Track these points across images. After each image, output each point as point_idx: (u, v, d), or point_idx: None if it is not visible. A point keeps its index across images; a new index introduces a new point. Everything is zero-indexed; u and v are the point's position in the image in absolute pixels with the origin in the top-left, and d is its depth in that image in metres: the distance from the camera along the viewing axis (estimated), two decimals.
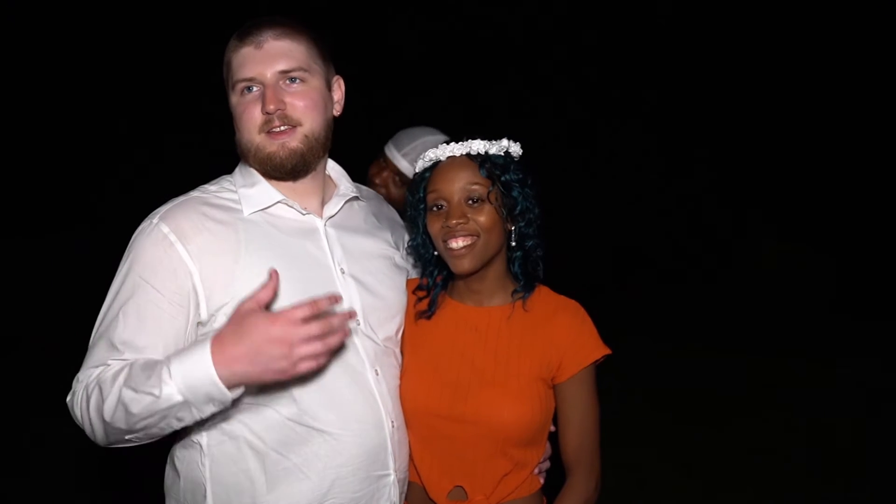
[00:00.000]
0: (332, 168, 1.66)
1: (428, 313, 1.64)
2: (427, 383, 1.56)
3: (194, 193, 1.52)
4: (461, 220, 1.51)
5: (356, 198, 1.66)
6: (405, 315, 1.66)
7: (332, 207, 1.58)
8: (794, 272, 8.54)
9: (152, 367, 1.27)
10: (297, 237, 1.51)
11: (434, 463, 1.57)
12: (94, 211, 9.01)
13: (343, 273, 1.53)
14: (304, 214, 1.53)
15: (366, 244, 1.62)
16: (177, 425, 1.29)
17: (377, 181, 2.35)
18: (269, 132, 1.46)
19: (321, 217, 1.56)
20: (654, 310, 7.72)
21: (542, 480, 1.63)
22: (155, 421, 1.27)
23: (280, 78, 1.45)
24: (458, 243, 1.52)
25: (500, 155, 1.57)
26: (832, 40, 9.17)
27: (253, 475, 1.43)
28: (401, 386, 1.58)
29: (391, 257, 1.67)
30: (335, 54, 1.59)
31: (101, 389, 1.30)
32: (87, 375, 1.36)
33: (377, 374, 1.52)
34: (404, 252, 1.76)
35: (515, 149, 1.60)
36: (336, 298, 1.27)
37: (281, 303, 1.42)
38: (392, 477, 1.52)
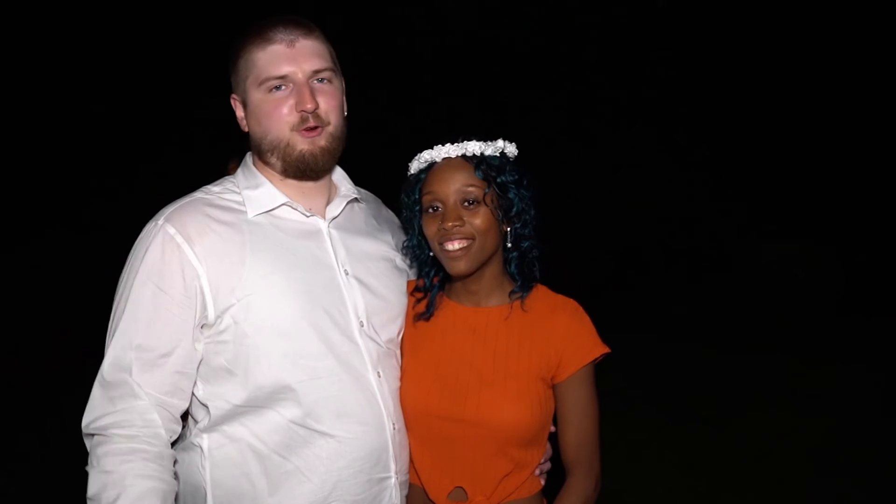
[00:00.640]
0: (335, 170, 1.66)
1: (426, 315, 1.64)
2: (426, 385, 1.56)
3: (198, 194, 1.51)
4: (457, 223, 1.51)
5: (356, 199, 1.66)
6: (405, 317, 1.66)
7: (335, 209, 1.58)
8: (797, 271, 8.53)
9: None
10: (301, 239, 1.51)
11: (434, 464, 1.56)
12: (92, 214, 9.02)
13: (347, 275, 1.53)
14: (307, 216, 1.53)
15: (368, 246, 1.62)
16: None
17: None
18: (299, 130, 1.46)
19: (324, 218, 1.56)
20: (654, 309, 7.71)
21: (542, 481, 1.63)
22: None
23: (311, 77, 1.46)
24: (453, 245, 1.51)
25: (496, 156, 1.56)
26: (835, 38, 9.16)
27: (254, 478, 1.43)
28: (400, 388, 1.58)
29: (392, 259, 1.67)
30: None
31: (106, 461, 1.33)
32: (107, 416, 1.35)
33: (379, 377, 1.52)
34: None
35: (511, 149, 1.60)
36: None
37: (286, 304, 1.43)
38: (393, 479, 1.52)
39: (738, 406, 5.17)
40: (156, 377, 1.37)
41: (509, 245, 1.57)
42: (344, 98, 1.57)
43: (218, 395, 1.43)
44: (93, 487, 1.34)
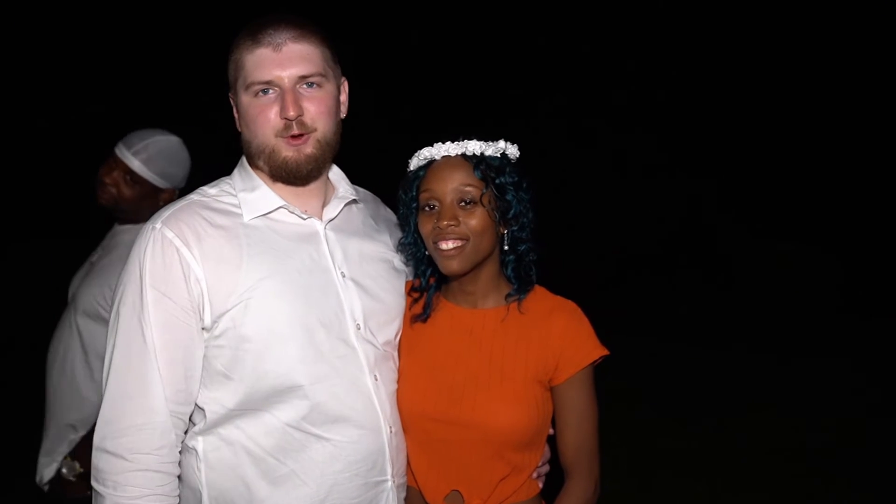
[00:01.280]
0: (332, 170, 1.65)
1: (423, 316, 1.63)
2: (423, 387, 1.55)
3: (194, 197, 1.50)
4: (452, 223, 1.50)
5: (354, 201, 1.65)
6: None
7: (332, 210, 1.57)
8: (798, 272, 8.53)
9: None
10: (298, 242, 1.50)
11: (430, 467, 1.56)
12: (92, 214, 9.01)
13: (344, 277, 1.52)
14: (304, 219, 1.52)
15: (365, 247, 1.61)
16: None
17: (107, 180, 2.30)
18: (284, 137, 1.44)
19: (321, 220, 1.55)
20: (654, 310, 7.71)
21: (540, 484, 1.62)
22: None
23: (298, 82, 1.44)
24: (447, 245, 1.50)
25: (496, 157, 1.55)
26: (836, 41, 9.15)
27: (250, 481, 1.42)
28: (397, 390, 1.57)
29: (390, 260, 1.66)
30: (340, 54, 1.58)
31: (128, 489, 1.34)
32: (125, 436, 1.34)
33: (376, 380, 1.51)
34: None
35: (513, 151, 1.59)
36: None
37: (283, 308, 1.42)
38: (390, 483, 1.51)
39: (737, 407, 5.17)
40: (168, 385, 1.37)
41: (506, 248, 1.56)
42: (339, 101, 1.54)
43: (214, 399, 1.42)
44: None
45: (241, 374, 1.40)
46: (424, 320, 1.63)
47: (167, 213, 1.44)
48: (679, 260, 9.20)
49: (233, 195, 1.51)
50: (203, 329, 1.40)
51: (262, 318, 1.40)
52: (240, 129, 1.53)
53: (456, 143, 1.56)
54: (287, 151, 1.45)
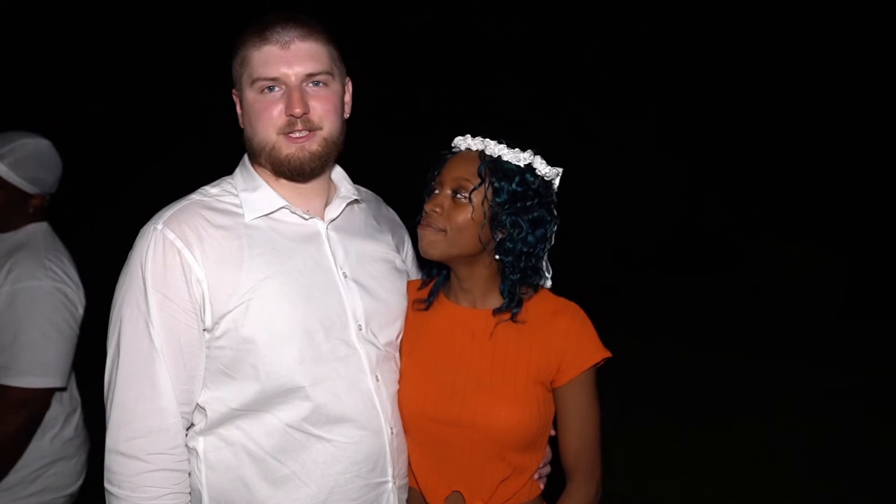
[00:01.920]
0: (334, 170, 1.64)
1: (426, 303, 1.63)
2: (424, 387, 1.55)
3: (195, 197, 1.49)
4: (436, 209, 1.51)
5: (356, 200, 1.64)
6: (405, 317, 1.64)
7: (334, 210, 1.56)
8: (800, 274, 8.52)
9: None
10: (299, 242, 1.49)
11: (431, 468, 1.55)
12: (92, 214, 9.00)
13: (345, 277, 1.51)
14: (306, 219, 1.51)
15: (367, 247, 1.60)
16: None
17: None
18: (288, 134, 1.44)
19: (323, 220, 1.54)
20: (657, 311, 7.70)
21: (542, 486, 1.62)
22: None
23: (305, 80, 1.43)
24: (424, 231, 1.52)
25: (515, 164, 1.52)
26: (840, 41, 9.14)
27: (250, 482, 1.41)
28: (398, 390, 1.57)
29: (392, 261, 1.65)
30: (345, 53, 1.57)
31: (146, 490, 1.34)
32: (139, 438, 1.34)
33: (377, 381, 1.50)
34: (405, 254, 1.75)
35: (543, 168, 1.55)
36: None
37: (284, 309, 1.41)
38: (391, 484, 1.51)
39: (740, 408, 5.16)
40: (176, 386, 1.37)
41: (497, 256, 1.55)
42: (344, 100, 1.53)
43: (215, 399, 1.42)
44: None
45: (243, 374, 1.40)
46: (426, 308, 1.63)
47: (168, 213, 1.43)
48: (681, 261, 9.20)
49: (234, 195, 1.50)
50: (204, 330, 1.39)
51: (264, 319, 1.39)
52: (242, 126, 1.52)
53: (480, 138, 1.56)
54: (289, 149, 1.44)
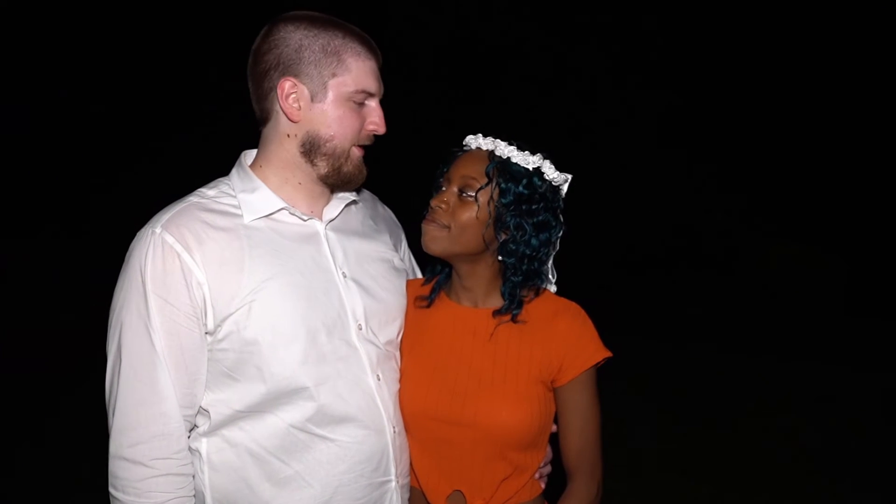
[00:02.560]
0: None
1: (428, 300, 1.63)
2: (425, 386, 1.55)
3: (192, 199, 1.47)
4: (441, 205, 1.52)
5: (354, 201, 1.64)
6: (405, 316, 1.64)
7: (333, 211, 1.56)
8: (801, 273, 8.53)
9: None
10: (299, 242, 1.49)
11: (432, 467, 1.55)
12: (92, 213, 9.01)
13: (345, 277, 1.51)
14: (305, 220, 1.51)
15: (365, 247, 1.60)
16: None
17: None
18: (358, 146, 1.50)
19: (321, 221, 1.54)
20: (656, 311, 7.70)
21: (543, 485, 1.62)
22: None
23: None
24: (428, 226, 1.53)
25: (523, 167, 1.53)
26: (841, 40, 9.14)
27: (254, 483, 1.41)
28: (399, 389, 1.57)
29: (390, 260, 1.66)
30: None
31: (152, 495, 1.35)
32: (142, 443, 1.35)
33: (379, 380, 1.50)
34: (402, 253, 1.75)
35: (552, 174, 1.56)
36: None
37: (286, 310, 1.41)
38: (394, 483, 1.51)
39: (741, 408, 5.16)
40: (178, 390, 1.37)
41: (500, 257, 1.55)
42: None
43: (219, 401, 1.41)
44: None
45: (246, 376, 1.40)
46: (428, 305, 1.63)
47: (166, 216, 1.42)
48: (681, 260, 9.19)
49: (232, 196, 1.49)
50: (206, 333, 1.39)
51: (267, 321, 1.39)
52: (297, 120, 1.45)
53: (491, 139, 1.56)
54: (358, 160, 1.51)
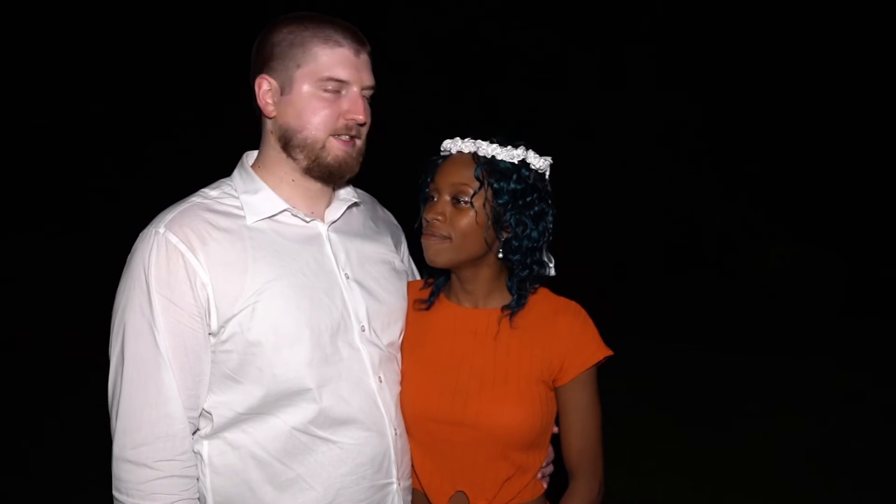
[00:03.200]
0: None
1: (427, 303, 1.63)
2: (426, 388, 1.55)
3: (195, 199, 1.47)
4: (438, 217, 1.51)
5: (356, 203, 1.64)
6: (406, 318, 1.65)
7: (335, 212, 1.56)
8: (800, 273, 8.53)
9: None
10: (301, 244, 1.49)
11: (434, 468, 1.55)
12: (93, 212, 9.00)
13: (347, 278, 1.51)
14: (307, 221, 1.51)
15: (367, 249, 1.60)
16: None
17: None
18: (338, 137, 1.46)
19: (323, 222, 1.54)
20: (656, 311, 7.69)
21: (545, 485, 1.62)
22: None
23: (364, 91, 1.48)
24: (429, 240, 1.52)
25: (510, 162, 1.53)
26: (839, 40, 9.14)
27: (255, 486, 1.41)
28: (400, 391, 1.56)
29: (391, 262, 1.66)
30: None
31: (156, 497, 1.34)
32: (146, 445, 1.34)
33: (381, 381, 1.50)
34: (402, 255, 1.75)
35: (537, 162, 1.56)
36: None
37: (290, 311, 1.41)
38: (395, 485, 1.51)
39: (741, 408, 5.16)
40: (183, 391, 1.36)
41: (500, 256, 1.55)
42: None
43: (221, 404, 1.41)
44: None
45: (249, 378, 1.39)
46: (427, 308, 1.63)
47: (169, 216, 1.42)
48: (681, 260, 9.19)
49: (234, 197, 1.49)
50: (210, 334, 1.39)
51: (270, 322, 1.38)
52: (272, 115, 1.47)
53: (472, 140, 1.55)
54: (339, 151, 1.46)
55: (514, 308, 1.56)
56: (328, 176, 1.49)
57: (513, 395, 1.51)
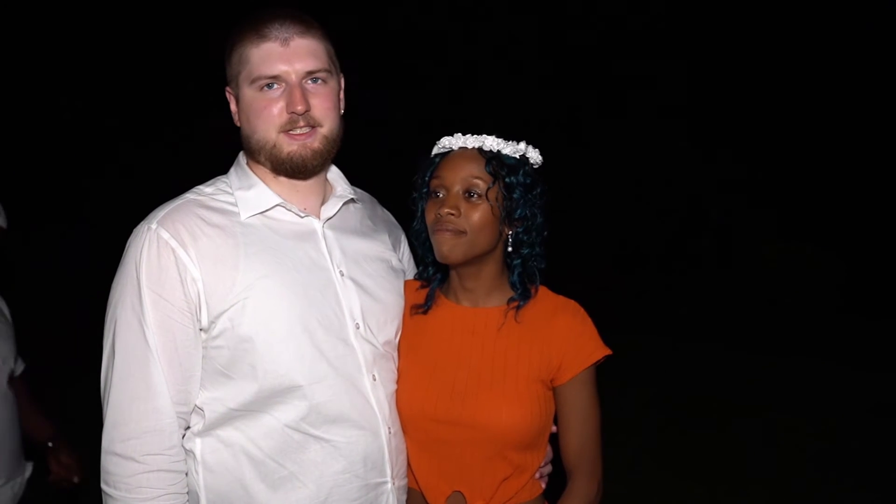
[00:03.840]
0: (330, 169, 1.63)
1: (423, 308, 1.62)
2: (423, 387, 1.54)
3: (189, 196, 1.48)
4: (452, 212, 1.49)
5: (352, 200, 1.63)
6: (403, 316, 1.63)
7: (330, 209, 1.55)
8: (798, 271, 8.53)
9: None
10: (295, 240, 1.48)
11: (432, 468, 1.54)
12: (90, 209, 9.00)
13: (342, 276, 1.50)
14: (302, 217, 1.50)
15: (363, 246, 1.60)
16: None
17: None
18: (288, 132, 1.44)
19: (319, 218, 1.53)
20: (656, 309, 7.70)
21: (543, 485, 1.61)
22: None
23: (304, 78, 1.43)
24: (443, 236, 1.50)
25: (514, 157, 1.54)
26: (838, 38, 9.15)
27: (248, 484, 1.40)
28: (397, 390, 1.55)
29: (388, 260, 1.65)
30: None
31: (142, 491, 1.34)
32: (134, 439, 1.34)
33: (374, 380, 1.49)
34: (402, 254, 1.74)
35: (534, 156, 1.58)
36: None
37: (281, 308, 1.40)
38: (390, 484, 1.50)
39: (738, 406, 5.16)
40: (172, 386, 1.36)
41: (510, 249, 1.55)
42: (341, 97, 1.54)
43: (213, 399, 1.41)
44: None
45: (241, 374, 1.39)
46: (425, 312, 1.62)
47: (162, 212, 1.42)
48: (680, 259, 9.19)
49: (229, 193, 1.49)
50: (201, 330, 1.38)
51: (261, 318, 1.38)
52: (238, 125, 1.51)
53: (475, 136, 1.55)
54: (290, 147, 1.44)
55: (520, 301, 1.56)
56: (292, 172, 1.47)
57: (511, 395, 1.50)
